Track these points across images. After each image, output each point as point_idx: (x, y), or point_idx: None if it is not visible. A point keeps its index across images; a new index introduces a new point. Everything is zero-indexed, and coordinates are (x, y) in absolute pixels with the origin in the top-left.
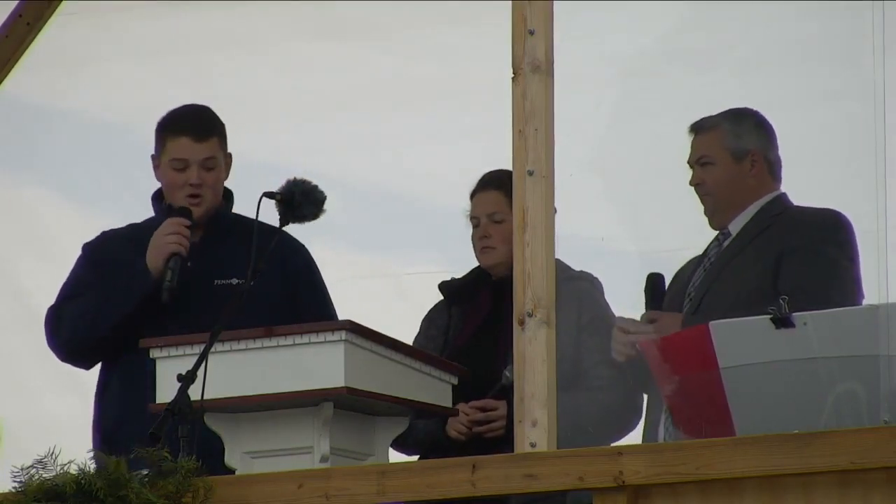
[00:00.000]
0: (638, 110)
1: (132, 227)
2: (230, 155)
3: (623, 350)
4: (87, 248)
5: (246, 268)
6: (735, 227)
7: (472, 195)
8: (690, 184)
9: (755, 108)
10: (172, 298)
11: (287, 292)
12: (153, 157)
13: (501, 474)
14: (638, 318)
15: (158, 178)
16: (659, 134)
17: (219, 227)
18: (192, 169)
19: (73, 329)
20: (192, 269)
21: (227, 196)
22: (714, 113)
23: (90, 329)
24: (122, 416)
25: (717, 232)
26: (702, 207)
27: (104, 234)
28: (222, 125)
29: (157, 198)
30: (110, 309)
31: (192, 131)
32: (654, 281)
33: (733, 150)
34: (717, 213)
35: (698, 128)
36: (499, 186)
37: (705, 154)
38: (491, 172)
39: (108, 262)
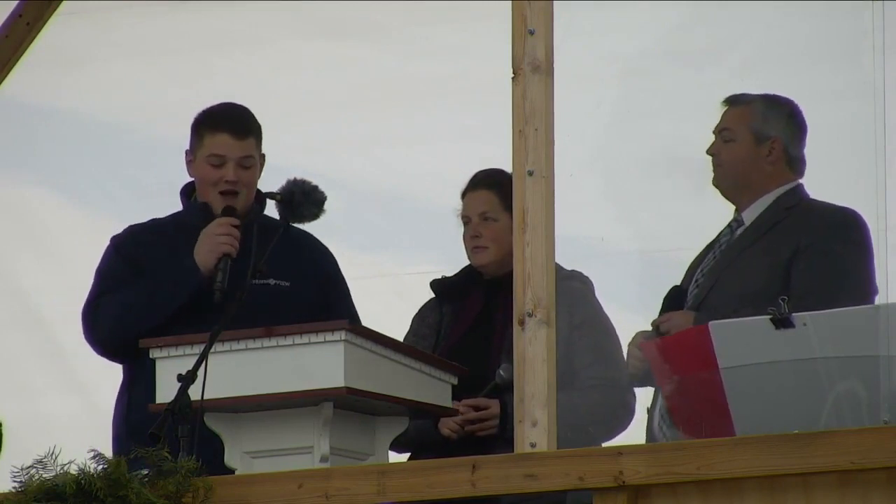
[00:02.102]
0: (638, 110)
1: (157, 221)
2: (264, 156)
3: (638, 365)
4: (116, 241)
5: (282, 269)
6: (749, 216)
7: (463, 194)
8: (707, 152)
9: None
10: (223, 299)
11: (321, 295)
12: (187, 151)
13: (501, 474)
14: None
15: (191, 174)
16: (659, 134)
17: (251, 231)
18: (229, 166)
19: (117, 323)
20: (263, 273)
21: (259, 198)
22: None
23: (136, 323)
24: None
25: (731, 219)
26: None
27: (131, 227)
28: (259, 125)
29: (187, 193)
30: (158, 305)
31: (231, 128)
32: (673, 295)
33: (756, 132)
34: (725, 188)
35: (732, 101)
36: (489, 186)
37: (729, 128)
38: (482, 172)
39: (139, 256)
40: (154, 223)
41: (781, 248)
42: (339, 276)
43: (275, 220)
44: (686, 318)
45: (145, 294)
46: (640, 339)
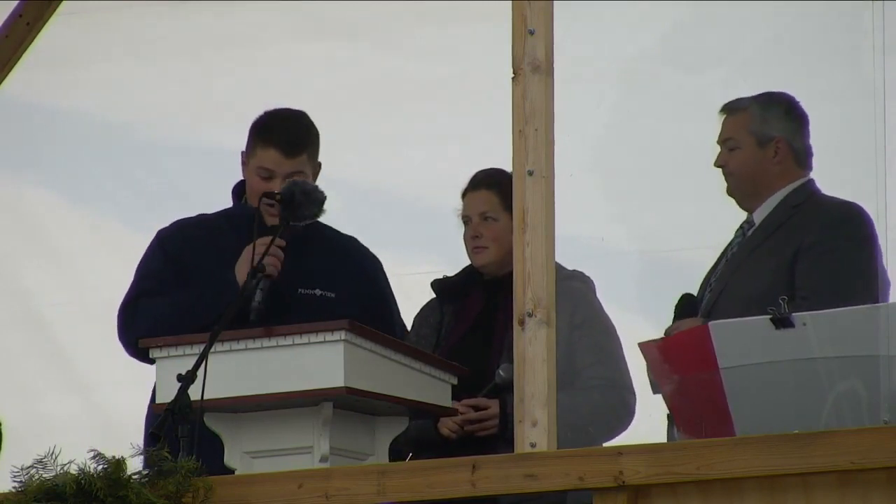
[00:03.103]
0: (638, 110)
1: (204, 217)
2: (319, 163)
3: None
4: (162, 236)
5: (328, 279)
6: (759, 216)
7: (464, 194)
8: (715, 165)
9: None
10: (259, 319)
11: (374, 308)
12: (243, 153)
13: (501, 474)
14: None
15: (244, 175)
16: (659, 134)
17: (301, 237)
18: (277, 181)
19: (155, 328)
20: (276, 278)
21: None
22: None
23: (172, 332)
24: None
25: (743, 221)
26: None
27: (178, 222)
28: (315, 136)
29: (237, 192)
30: (195, 317)
31: (282, 147)
32: (685, 302)
33: (758, 135)
34: (738, 196)
35: (728, 109)
36: (490, 186)
37: (731, 137)
38: (482, 171)
39: (184, 252)
40: (202, 219)
41: (785, 248)
42: (386, 285)
43: (324, 227)
44: (695, 325)
45: (184, 305)
46: None
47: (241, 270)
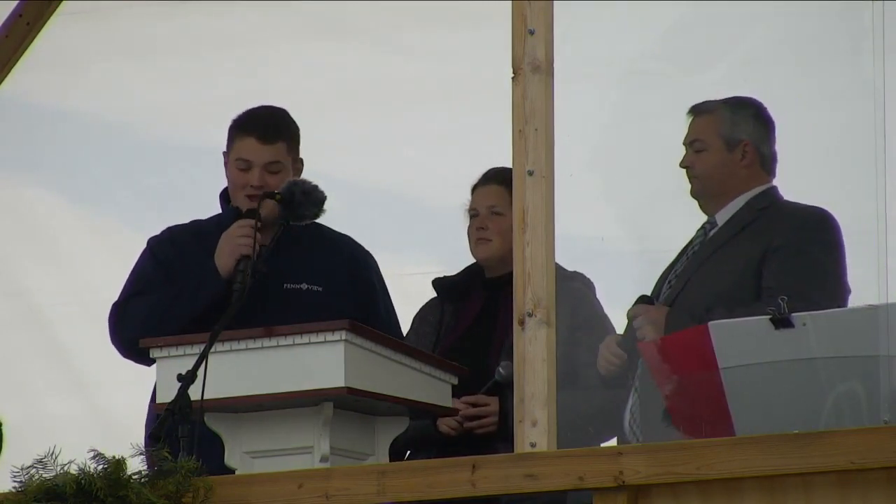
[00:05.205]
0: (638, 110)
1: (197, 224)
2: (301, 160)
3: (610, 368)
4: (153, 242)
5: (316, 273)
6: (722, 217)
7: (474, 189)
8: (681, 165)
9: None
10: (239, 300)
11: (362, 303)
12: (224, 153)
13: (501, 474)
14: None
15: (226, 176)
16: (659, 134)
17: (288, 232)
18: (255, 171)
19: (142, 326)
20: (262, 273)
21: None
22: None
23: (160, 327)
24: None
25: (705, 221)
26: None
27: (169, 229)
28: (294, 130)
29: (225, 197)
30: (180, 308)
31: (258, 133)
32: (641, 301)
33: (727, 138)
34: (703, 198)
35: (697, 111)
36: (500, 182)
37: (699, 138)
38: (495, 168)
39: (175, 259)
40: (194, 225)
41: (753, 249)
42: (378, 283)
43: (311, 223)
44: (660, 312)
45: (168, 298)
46: (612, 341)
47: (220, 257)
